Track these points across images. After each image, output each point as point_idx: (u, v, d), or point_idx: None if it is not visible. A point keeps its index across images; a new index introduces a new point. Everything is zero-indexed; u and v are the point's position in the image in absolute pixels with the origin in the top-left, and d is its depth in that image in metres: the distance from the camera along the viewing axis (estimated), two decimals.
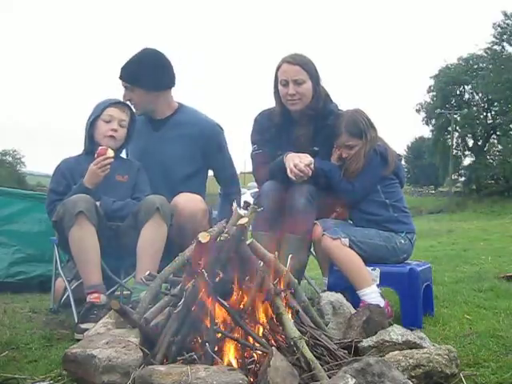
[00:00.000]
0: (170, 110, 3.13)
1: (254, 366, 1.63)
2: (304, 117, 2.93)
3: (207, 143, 3.08)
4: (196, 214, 2.75)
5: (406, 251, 2.77)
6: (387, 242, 2.69)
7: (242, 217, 1.86)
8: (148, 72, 2.99)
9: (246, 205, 1.96)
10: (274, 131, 2.97)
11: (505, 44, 35.22)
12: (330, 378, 1.57)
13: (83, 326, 2.33)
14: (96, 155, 2.68)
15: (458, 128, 37.71)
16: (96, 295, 2.48)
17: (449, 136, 38.02)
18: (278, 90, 2.91)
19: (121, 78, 3.03)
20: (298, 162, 2.67)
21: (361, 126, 2.78)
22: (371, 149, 2.77)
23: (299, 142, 2.95)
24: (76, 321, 2.54)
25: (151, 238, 2.60)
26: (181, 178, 3.03)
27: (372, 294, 2.50)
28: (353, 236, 2.64)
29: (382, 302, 2.46)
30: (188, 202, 2.77)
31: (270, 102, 3.03)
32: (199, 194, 2.91)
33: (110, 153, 2.68)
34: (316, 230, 2.71)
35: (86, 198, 2.55)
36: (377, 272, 2.63)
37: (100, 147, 2.71)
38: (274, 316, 1.80)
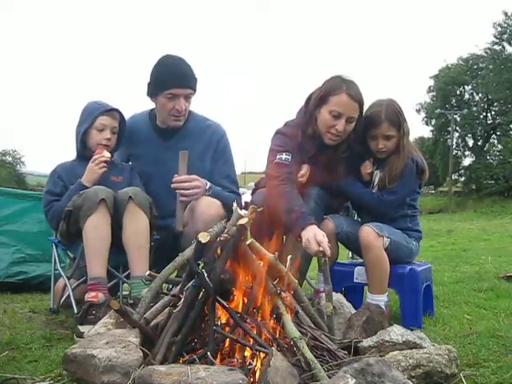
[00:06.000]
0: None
1: (254, 366, 1.63)
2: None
3: (216, 146, 3.01)
4: (212, 220, 2.52)
5: (416, 254, 2.78)
6: (408, 243, 2.68)
7: (242, 217, 1.86)
8: (191, 72, 2.86)
9: (246, 205, 1.96)
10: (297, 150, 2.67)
11: (505, 44, 35.26)
12: (330, 377, 1.57)
13: (82, 328, 2.33)
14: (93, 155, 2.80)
15: (457, 128, 37.72)
16: (94, 294, 2.47)
17: (449, 136, 38.01)
18: (316, 110, 2.62)
19: (182, 86, 2.80)
20: (321, 238, 2.31)
21: (399, 116, 2.64)
22: (407, 144, 2.65)
23: (324, 164, 2.69)
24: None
25: (133, 226, 2.61)
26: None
27: (381, 302, 2.49)
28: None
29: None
30: (207, 207, 2.68)
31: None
32: None
33: (107, 153, 2.82)
34: (327, 225, 2.62)
35: (107, 189, 2.60)
36: None
37: (97, 150, 2.82)
38: (274, 316, 1.80)
